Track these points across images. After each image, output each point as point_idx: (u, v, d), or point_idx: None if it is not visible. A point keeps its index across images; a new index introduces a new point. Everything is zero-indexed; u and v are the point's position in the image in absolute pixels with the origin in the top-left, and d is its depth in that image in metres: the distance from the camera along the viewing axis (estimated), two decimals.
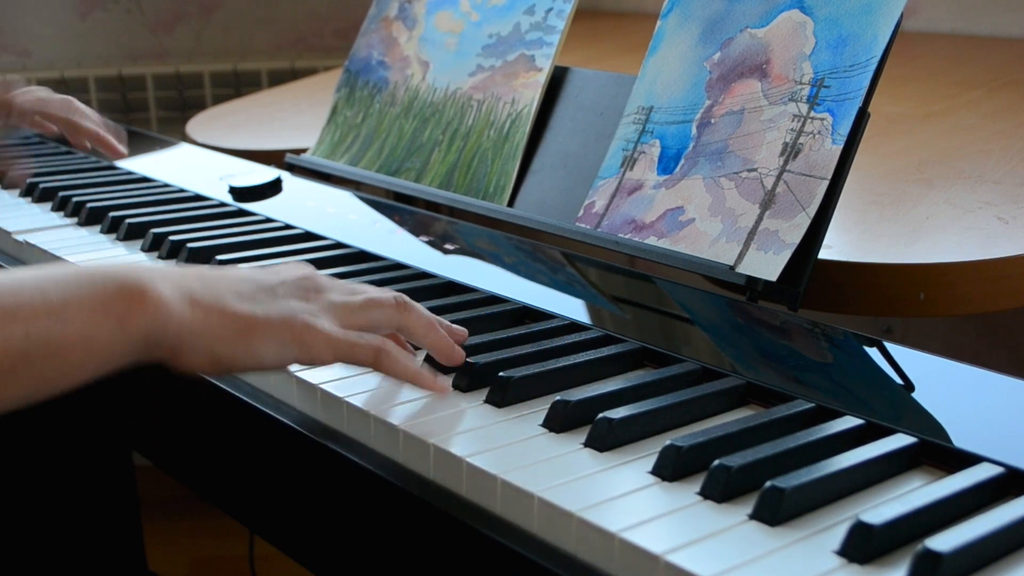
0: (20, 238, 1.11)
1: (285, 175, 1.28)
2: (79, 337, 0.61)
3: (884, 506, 0.56)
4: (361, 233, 1.07)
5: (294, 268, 0.74)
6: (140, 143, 1.54)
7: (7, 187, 1.16)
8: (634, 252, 0.92)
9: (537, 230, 1.03)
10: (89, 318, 0.61)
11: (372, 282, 0.93)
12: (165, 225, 1.12)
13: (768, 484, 0.58)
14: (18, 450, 1.50)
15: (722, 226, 0.87)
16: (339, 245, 1.05)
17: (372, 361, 0.70)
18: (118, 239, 1.11)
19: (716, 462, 0.60)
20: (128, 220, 1.12)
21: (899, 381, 0.72)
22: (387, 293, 0.75)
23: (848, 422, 0.66)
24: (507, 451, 0.65)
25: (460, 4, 1.21)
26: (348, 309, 0.72)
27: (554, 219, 1.02)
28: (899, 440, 0.64)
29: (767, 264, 0.83)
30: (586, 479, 0.62)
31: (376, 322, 0.72)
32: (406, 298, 0.74)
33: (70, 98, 1.23)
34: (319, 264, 0.99)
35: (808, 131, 0.85)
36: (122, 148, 1.24)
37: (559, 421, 0.68)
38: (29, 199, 1.29)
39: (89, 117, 1.26)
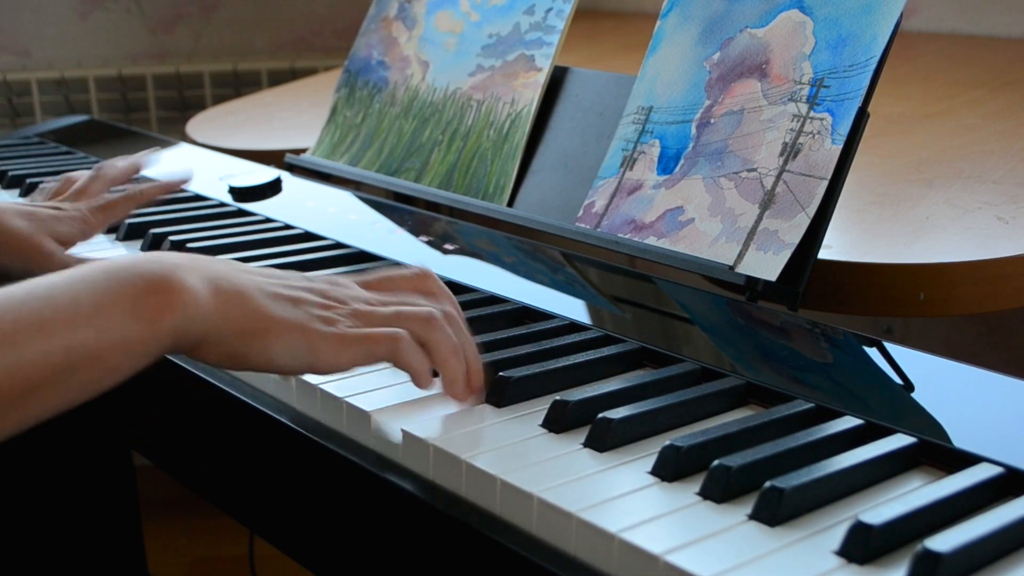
0: None
1: (285, 175, 1.27)
2: (115, 342, 0.61)
3: (884, 506, 0.56)
4: (361, 233, 1.07)
5: (329, 277, 0.73)
6: (140, 143, 1.54)
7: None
8: (634, 252, 0.92)
9: (537, 230, 1.03)
10: (122, 322, 0.61)
11: None
12: (165, 225, 1.12)
13: (768, 484, 0.58)
14: (18, 450, 1.50)
15: (722, 226, 0.87)
16: (339, 245, 1.05)
17: (390, 352, 0.68)
18: (118, 239, 1.11)
19: (716, 462, 0.60)
20: (128, 220, 1.12)
21: (899, 381, 0.72)
22: (421, 309, 0.71)
23: (848, 422, 0.66)
24: (507, 451, 0.65)
25: (460, 4, 1.21)
26: (370, 318, 0.70)
27: (554, 219, 1.02)
28: (899, 440, 0.64)
29: (767, 264, 0.83)
30: (586, 479, 0.62)
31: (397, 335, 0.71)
32: (438, 315, 0.71)
33: (99, 168, 1.06)
34: (319, 264, 0.99)
35: (808, 131, 0.85)
36: (179, 177, 1.08)
37: (559, 421, 0.68)
38: (29, 199, 1.29)
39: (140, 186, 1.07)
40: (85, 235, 1.01)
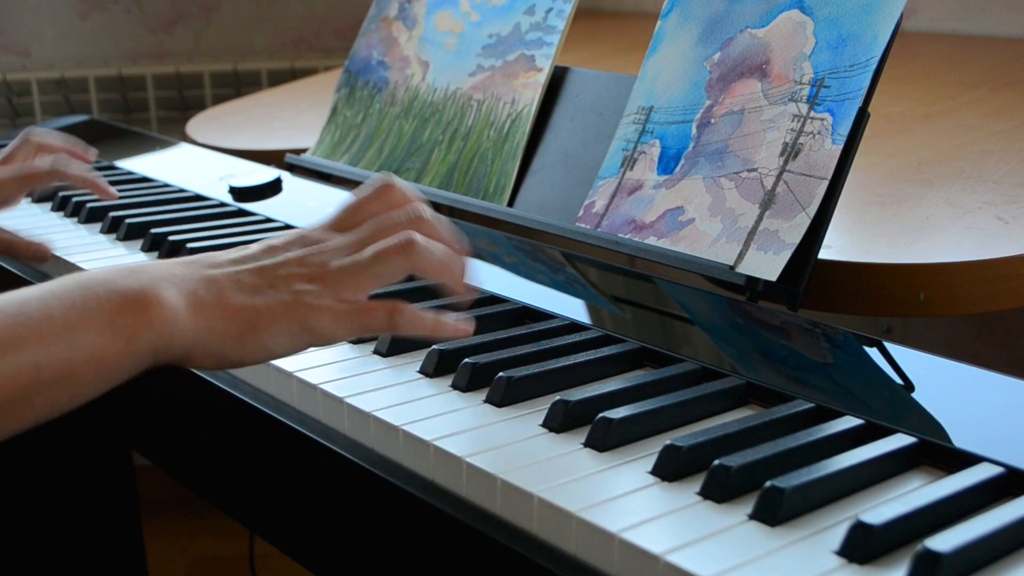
0: None
1: (285, 175, 1.28)
2: (88, 359, 0.59)
3: (884, 506, 0.56)
4: None
5: (292, 241, 0.70)
6: (140, 143, 1.54)
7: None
8: (634, 252, 0.92)
9: (537, 230, 1.03)
10: (97, 338, 0.59)
11: None
12: (165, 225, 1.12)
13: (768, 484, 0.58)
14: (18, 450, 1.50)
15: (722, 226, 0.87)
16: None
17: (387, 326, 0.67)
18: (118, 239, 1.11)
19: (716, 462, 0.60)
20: (128, 220, 1.12)
21: (899, 381, 0.72)
22: (391, 240, 0.69)
23: (848, 422, 0.66)
24: (507, 451, 0.65)
25: (460, 4, 1.21)
26: (355, 272, 0.68)
27: (554, 219, 1.02)
28: (899, 440, 0.64)
29: (767, 264, 0.83)
30: (586, 479, 0.62)
31: (387, 276, 0.68)
32: (413, 238, 0.69)
33: (28, 133, 1.08)
34: None
35: (808, 131, 0.85)
36: (111, 191, 1.13)
37: (559, 421, 0.68)
38: (29, 199, 1.29)
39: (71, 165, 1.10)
40: (3, 201, 0.98)
